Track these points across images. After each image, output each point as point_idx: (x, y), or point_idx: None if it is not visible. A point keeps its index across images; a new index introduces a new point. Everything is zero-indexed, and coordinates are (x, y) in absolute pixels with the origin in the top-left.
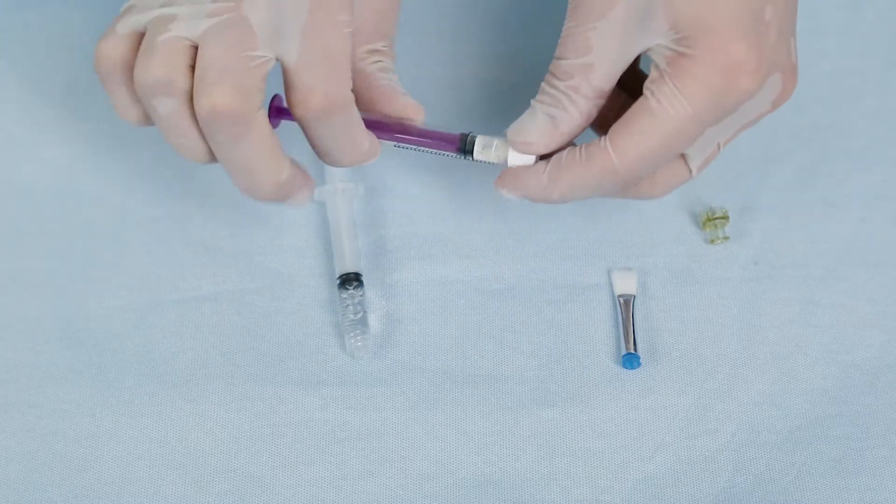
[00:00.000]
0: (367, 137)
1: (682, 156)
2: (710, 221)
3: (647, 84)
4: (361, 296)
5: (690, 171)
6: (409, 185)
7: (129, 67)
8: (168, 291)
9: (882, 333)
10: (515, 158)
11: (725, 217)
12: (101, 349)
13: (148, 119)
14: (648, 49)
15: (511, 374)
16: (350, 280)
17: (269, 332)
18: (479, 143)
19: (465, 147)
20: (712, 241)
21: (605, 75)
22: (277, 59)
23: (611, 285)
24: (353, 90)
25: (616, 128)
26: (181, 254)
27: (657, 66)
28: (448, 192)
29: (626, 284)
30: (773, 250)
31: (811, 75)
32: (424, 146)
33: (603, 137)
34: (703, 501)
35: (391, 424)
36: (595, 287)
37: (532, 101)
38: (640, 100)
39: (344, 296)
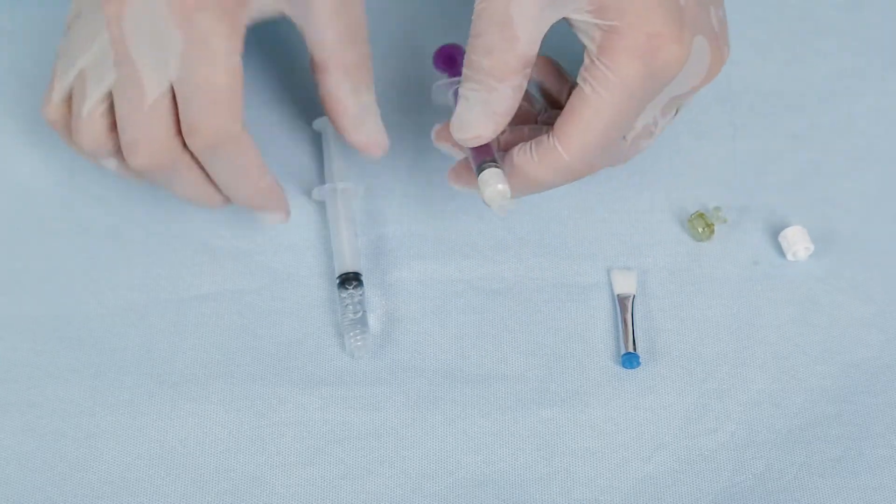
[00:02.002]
0: (263, 175)
1: None
2: (691, 221)
3: (581, 72)
4: (361, 295)
5: (624, 141)
6: (409, 185)
7: None
8: (168, 291)
9: (881, 333)
10: (494, 195)
11: (702, 216)
12: (101, 349)
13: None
14: (572, 24)
15: (511, 374)
16: (349, 279)
17: (268, 331)
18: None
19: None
20: (701, 240)
21: (530, 43)
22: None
23: (610, 285)
24: (327, 116)
25: (560, 123)
26: (181, 254)
27: (588, 53)
28: (448, 192)
29: (625, 284)
30: (772, 250)
31: (811, 75)
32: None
33: (550, 134)
34: (703, 501)
35: (391, 424)
36: (595, 287)
37: (460, 91)
38: (577, 90)
39: (343, 295)
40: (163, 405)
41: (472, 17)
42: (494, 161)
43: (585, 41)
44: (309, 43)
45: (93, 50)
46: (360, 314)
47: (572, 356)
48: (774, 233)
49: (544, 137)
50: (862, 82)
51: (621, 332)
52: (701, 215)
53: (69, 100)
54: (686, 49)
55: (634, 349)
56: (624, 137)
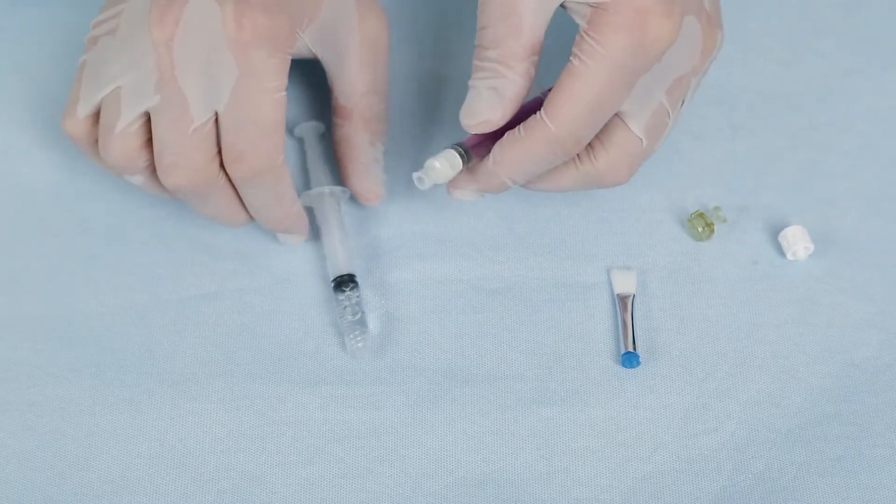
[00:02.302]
0: (294, 202)
1: (623, 123)
2: (691, 221)
3: (572, 49)
4: (358, 297)
5: (640, 139)
6: (409, 185)
7: (96, 141)
8: (168, 290)
9: (881, 333)
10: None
11: (702, 216)
12: (101, 348)
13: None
14: (566, 7)
15: (511, 374)
16: (345, 282)
17: (268, 331)
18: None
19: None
20: (701, 240)
21: (534, 29)
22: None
23: (610, 284)
24: (336, 157)
25: (549, 99)
26: (181, 253)
27: (579, 30)
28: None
29: (625, 283)
30: (772, 250)
31: (810, 75)
32: None
33: (539, 112)
34: (703, 500)
35: (390, 423)
36: (594, 286)
37: (470, 82)
38: (567, 65)
39: (341, 298)
40: (163, 404)
41: (478, 10)
42: (464, 151)
43: (578, 20)
44: (336, 89)
45: (133, 70)
46: (358, 315)
47: (572, 356)
48: (774, 233)
49: (533, 116)
50: (861, 82)
51: (621, 332)
52: (701, 215)
53: (95, 115)
54: (675, 24)
55: (634, 349)
56: (639, 137)
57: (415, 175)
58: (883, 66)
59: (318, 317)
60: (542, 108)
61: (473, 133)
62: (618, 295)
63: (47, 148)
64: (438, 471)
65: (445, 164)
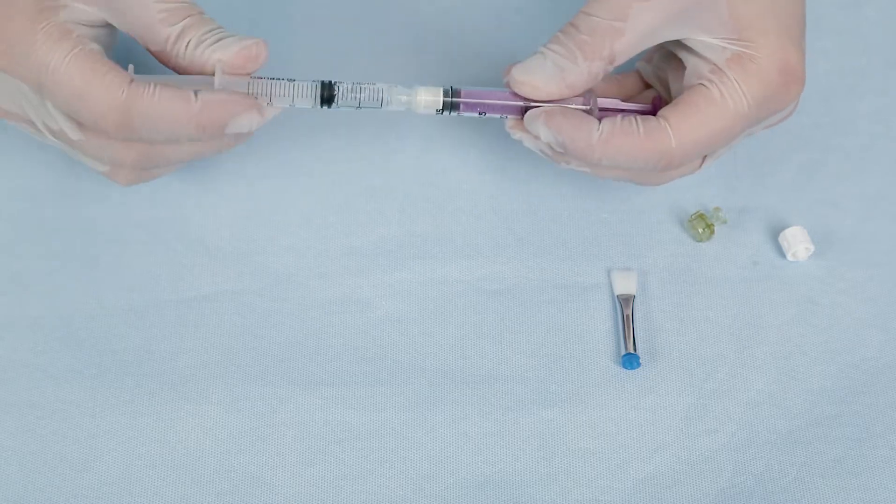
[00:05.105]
0: (189, 103)
1: None
2: (691, 222)
3: (703, 74)
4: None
5: (700, 165)
6: (410, 185)
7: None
8: (168, 291)
9: (881, 333)
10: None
11: (702, 216)
12: (101, 349)
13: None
14: (687, 41)
15: (511, 374)
16: (330, 94)
17: (269, 332)
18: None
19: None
20: (701, 241)
21: (629, 46)
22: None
23: (610, 285)
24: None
25: (674, 111)
26: (181, 254)
27: (710, 61)
28: (448, 192)
29: (625, 284)
30: (772, 250)
31: (811, 74)
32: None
33: (659, 118)
34: (703, 501)
35: (391, 424)
36: (595, 287)
37: (541, 48)
38: (701, 89)
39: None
40: (163, 406)
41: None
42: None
43: (704, 51)
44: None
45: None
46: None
47: (572, 356)
48: (774, 233)
49: (651, 119)
50: (862, 82)
51: (621, 333)
52: (701, 216)
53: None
54: (801, 90)
55: (634, 350)
56: (701, 164)
57: (402, 96)
58: (885, 66)
59: (318, 318)
60: (664, 116)
61: (512, 88)
62: (618, 296)
63: (48, 148)
64: (439, 472)
65: (430, 98)
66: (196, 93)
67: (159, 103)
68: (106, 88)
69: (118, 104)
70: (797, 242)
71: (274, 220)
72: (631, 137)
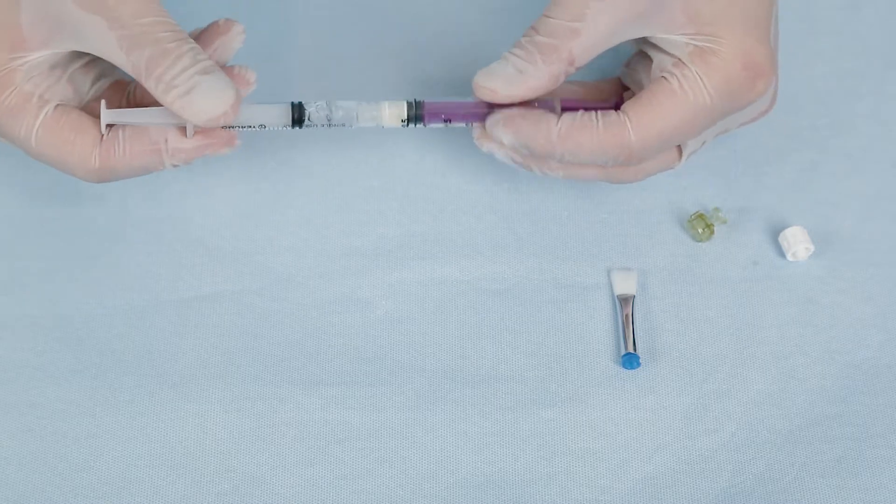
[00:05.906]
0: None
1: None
2: (690, 222)
3: (665, 68)
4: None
5: (679, 160)
6: (409, 186)
7: None
8: (168, 291)
9: (881, 333)
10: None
11: (702, 216)
12: (101, 349)
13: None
14: (653, 38)
15: (511, 374)
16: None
17: (268, 332)
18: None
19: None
20: (701, 241)
21: (587, 47)
22: None
23: (610, 285)
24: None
25: (633, 105)
26: (181, 254)
27: (673, 55)
28: (448, 192)
29: (625, 284)
30: (772, 250)
31: (810, 76)
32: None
33: (619, 112)
34: (703, 501)
35: (391, 424)
36: (595, 287)
37: (505, 53)
38: (661, 82)
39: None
40: (163, 406)
41: (550, 1)
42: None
43: (667, 47)
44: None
45: None
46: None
47: (572, 356)
48: (774, 233)
49: (611, 112)
50: (861, 83)
51: (621, 333)
52: (701, 216)
53: None
54: (770, 85)
55: (634, 350)
56: (680, 155)
57: (366, 112)
58: (883, 67)
59: (318, 317)
60: (623, 110)
61: (475, 94)
62: (618, 296)
63: None
64: (439, 472)
65: (394, 111)
66: (167, 140)
67: (132, 160)
68: (77, 158)
69: (94, 169)
70: (797, 242)
71: (274, 220)
72: (590, 131)
